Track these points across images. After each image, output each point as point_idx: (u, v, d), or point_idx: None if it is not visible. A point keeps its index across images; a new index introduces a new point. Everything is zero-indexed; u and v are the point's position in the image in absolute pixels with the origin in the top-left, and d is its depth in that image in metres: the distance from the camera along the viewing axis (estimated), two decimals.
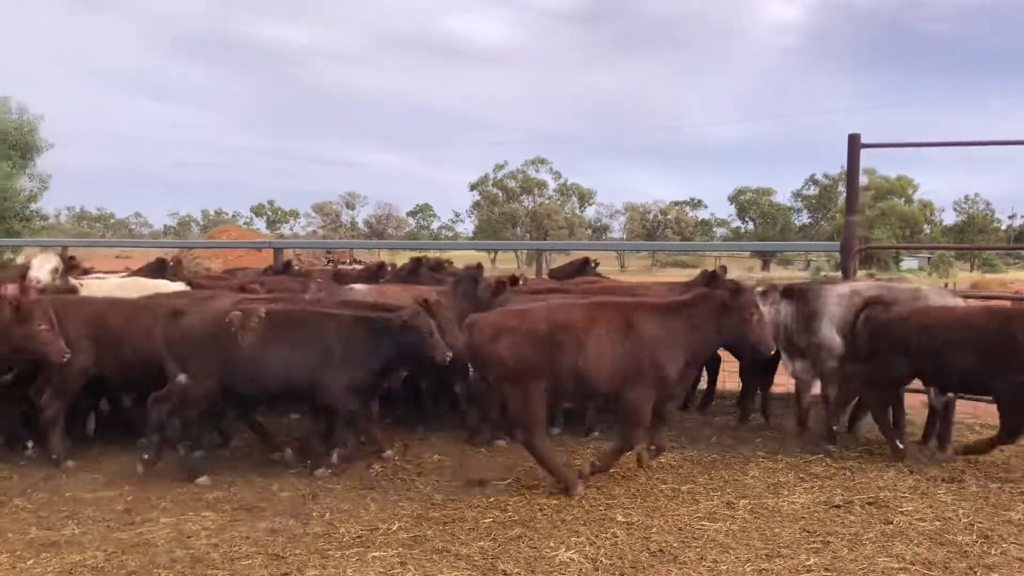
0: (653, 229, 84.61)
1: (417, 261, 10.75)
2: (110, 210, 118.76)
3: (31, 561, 5.03)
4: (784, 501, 6.15)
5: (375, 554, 5.13)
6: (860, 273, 10.45)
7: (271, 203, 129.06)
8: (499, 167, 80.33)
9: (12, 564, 4.99)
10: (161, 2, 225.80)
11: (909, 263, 72.53)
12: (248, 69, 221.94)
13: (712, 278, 8.93)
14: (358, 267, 12.54)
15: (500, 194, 79.55)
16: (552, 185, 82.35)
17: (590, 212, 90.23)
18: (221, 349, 6.51)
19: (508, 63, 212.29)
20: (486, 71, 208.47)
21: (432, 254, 13.48)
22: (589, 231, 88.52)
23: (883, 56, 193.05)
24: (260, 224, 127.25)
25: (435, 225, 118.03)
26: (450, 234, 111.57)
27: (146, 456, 6.66)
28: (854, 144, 9.76)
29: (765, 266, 77.15)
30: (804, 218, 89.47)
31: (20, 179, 22.69)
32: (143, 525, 5.64)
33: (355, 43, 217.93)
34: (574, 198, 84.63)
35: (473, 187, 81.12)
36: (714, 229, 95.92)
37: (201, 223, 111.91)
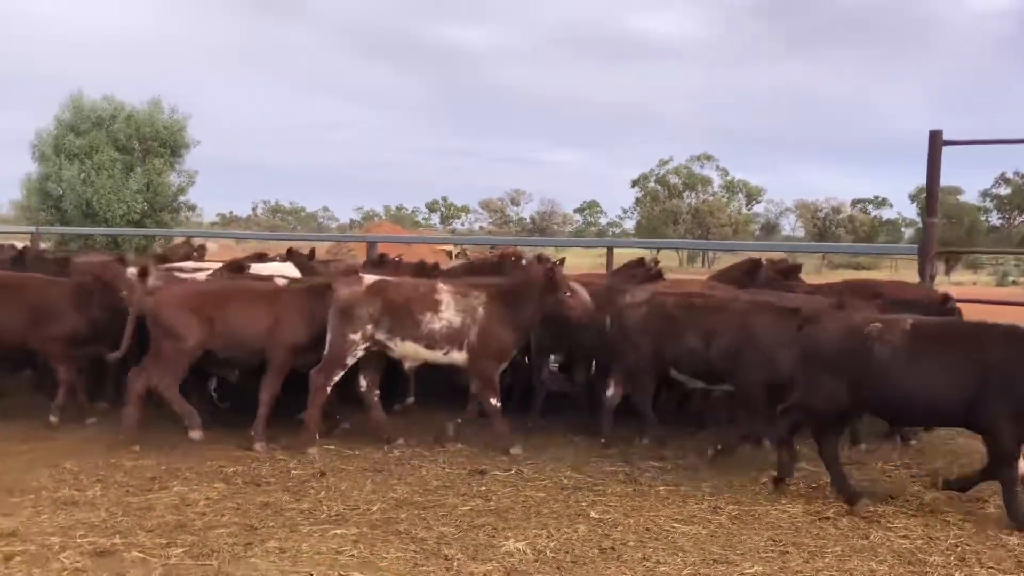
0: (825, 228, 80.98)
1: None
2: (301, 204, 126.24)
3: (45, 516, 5.65)
4: (775, 509, 5.99)
5: (338, 531, 5.42)
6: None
7: (444, 199, 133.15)
8: (662, 163, 79.35)
9: (30, 517, 5.62)
10: (343, 7, 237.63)
11: None
12: (430, 69, 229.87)
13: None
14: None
15: (662, 191, 78.53)
16: (717, 182, 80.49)
17: (759, 210, 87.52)
18: (856, 362, 5.95)
19: (684, 58, 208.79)
20: (661, 67, 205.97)
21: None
22: (757, 229, 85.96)
23: None
24: (435, 219, 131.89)
25: (603, 221, 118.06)
26: (617, 231, 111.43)
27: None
28: (935, 141, 9.24)
29: (949, 270, 72.20)
30: (995, 219, 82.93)
31: (169, 175, 25.00)
32: (157, 492, 6.18)
33: (531, 42, 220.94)
34: (740, 195, 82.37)
35: (635, 183, 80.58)
36: (902, 229, 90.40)
37: (383, 217, 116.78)
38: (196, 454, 7.13)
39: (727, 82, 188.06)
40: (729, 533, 5.52)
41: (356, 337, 7.38)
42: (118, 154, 23.38)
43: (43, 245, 15.50)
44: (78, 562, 4.87)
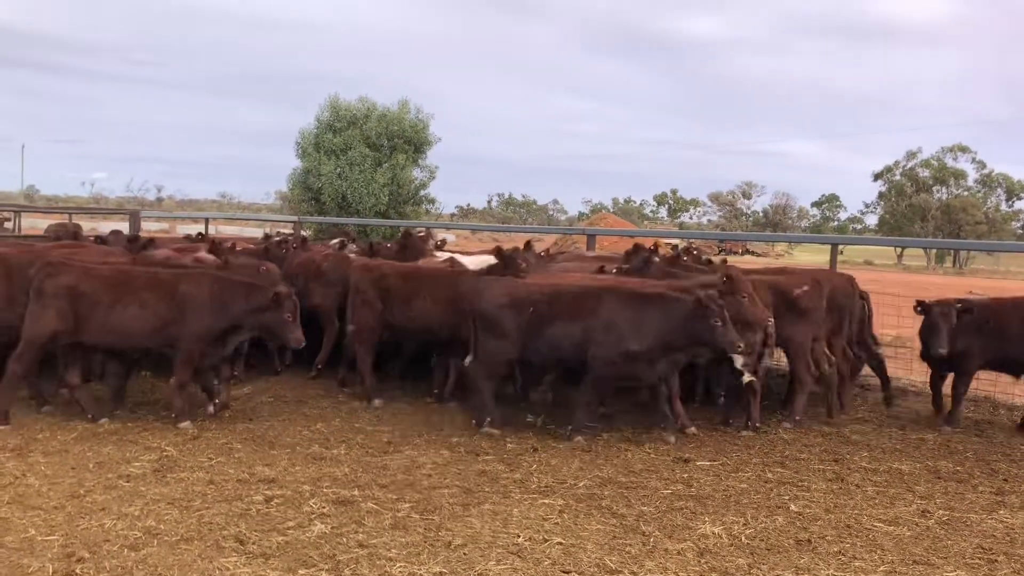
0: None
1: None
2: (533, 197, 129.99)
3: (299, 467, 6.52)
4: (990, 518, 5.81)
5: (545, 501, 5.86)
6: None
7: (673, 192, 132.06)
8: (911, 155, 74.11)
9: (286, 468, 6.51)
10: (581, 4, 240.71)
11: None
12: (665, 62, 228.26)
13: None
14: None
15: (909, 184, 73.37)
16: (973, 175, 74.08)
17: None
18: None
19: (943, 43, 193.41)
20: (917, 52, 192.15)
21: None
22: (1019, 227, 78.49)
23: None
24: (663, 212, 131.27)
25: (843, 216, 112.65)
26: (859, 227, 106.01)
27: None
28: None
29: None
30: None
31: (412, 170, 26.76)
32: (392, 454, 6.91)
33: (768, 31, 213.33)
34: (1000, 190, 75.24)
35: (878, 176, 75.79)
36: None
37: (611, 210, 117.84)
38: (426, 424, 7.86)
39: (988, 65, 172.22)
40: (935, 537, 5.43)
41: None
42: (369, 151, 25.54)
43: (304, 233, 17.14)
44: (324, 508, 5.63)
